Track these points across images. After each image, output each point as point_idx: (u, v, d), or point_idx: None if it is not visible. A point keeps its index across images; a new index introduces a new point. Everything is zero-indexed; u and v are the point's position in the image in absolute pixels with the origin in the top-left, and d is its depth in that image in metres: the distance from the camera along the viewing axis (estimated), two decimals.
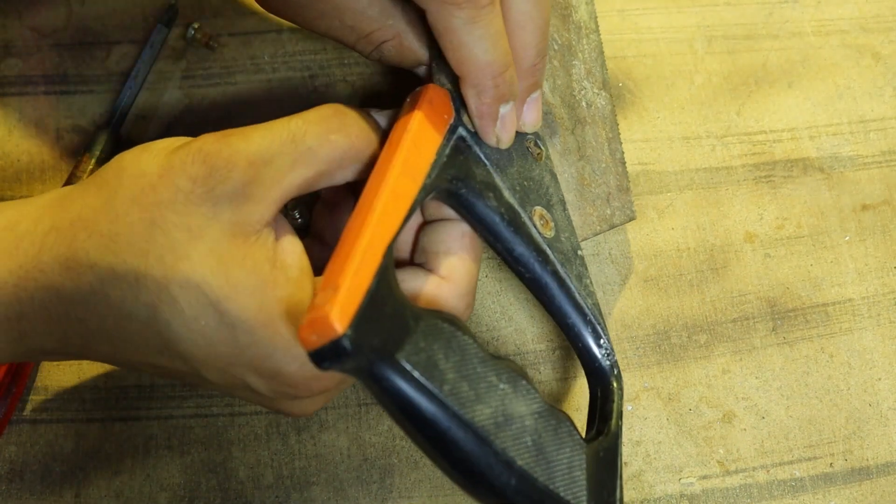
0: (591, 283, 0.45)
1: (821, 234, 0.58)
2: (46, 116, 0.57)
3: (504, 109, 0.43)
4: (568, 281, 0.44)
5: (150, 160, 0.38)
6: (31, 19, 0.59)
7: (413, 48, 0.44)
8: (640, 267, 0.56)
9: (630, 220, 0.52)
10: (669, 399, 0.53)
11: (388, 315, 0.34)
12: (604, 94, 0.54)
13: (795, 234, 0.57)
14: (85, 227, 0.37)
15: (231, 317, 0.36)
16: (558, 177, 0.49)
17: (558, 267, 0.44)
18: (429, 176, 0.39)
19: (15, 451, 0.50)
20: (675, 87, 0.60)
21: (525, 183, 0.45)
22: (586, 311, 0.44)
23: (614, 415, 0.43)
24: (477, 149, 0.43)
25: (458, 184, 0.42)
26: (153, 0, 0.60)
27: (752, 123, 0.60)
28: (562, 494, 0.37)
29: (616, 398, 0.43)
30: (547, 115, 0.50)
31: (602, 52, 0.54)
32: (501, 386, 0.37)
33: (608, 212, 0.51)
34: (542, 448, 0.37)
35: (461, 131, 0.43)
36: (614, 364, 0.44)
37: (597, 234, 0.51)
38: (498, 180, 0.44)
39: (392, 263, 0.36)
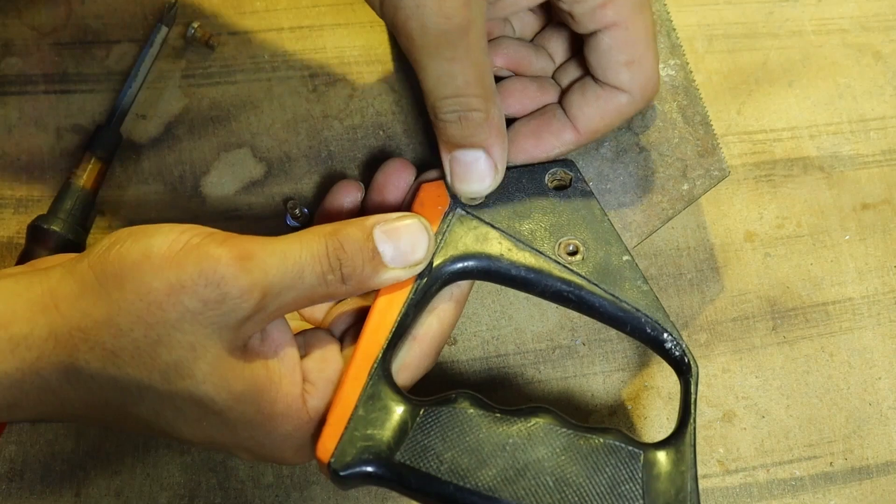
0: (643, 282, 0.45)
1: (821, 233, 0.57)
2: (46, 115, 0.57)
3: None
4: (608, 295, 0.45)
5: (154, 273, 0.37)
6: (31, 18, 0.59)
7: None
8: (640, 266, 0.56)
9: (722, 179, 0.51)
10: (669, 398, 0.53)
11: (381, 425, 0.40)
12: (672, 62, 0.53)
13: (795, 233, 0.57)
14: (86, 338, 0.37)
15: (232, 420, 0.40)
16: (613, 182, 0.50)
17: (595, 287, 0.45)
18: (413, 291, 0.43)
19: (15, 451, 0.50)
20: None
21: (544, 223, 0.46)
22: (639, 314, 0.45)
23: (684, 407, 0.43)
24: (479, 219, 0.46)
25: (464, 262, 0.45)
26: None
27: (753, 122, 0.60)
28: None
29: (686, 390, 0.44)
30: None
31: (668, 19, 0.53)
32: (511, 441, 0.40)
33: (685, 188, 0.51)
34: (568, 481, 0.40)
35: (459, 211, 0.46)
36: (683, 353, 0.45)
37: (670, 219, 0.50)
38: (508, 239, 0.46)
39: (382, 380, 0.41)
